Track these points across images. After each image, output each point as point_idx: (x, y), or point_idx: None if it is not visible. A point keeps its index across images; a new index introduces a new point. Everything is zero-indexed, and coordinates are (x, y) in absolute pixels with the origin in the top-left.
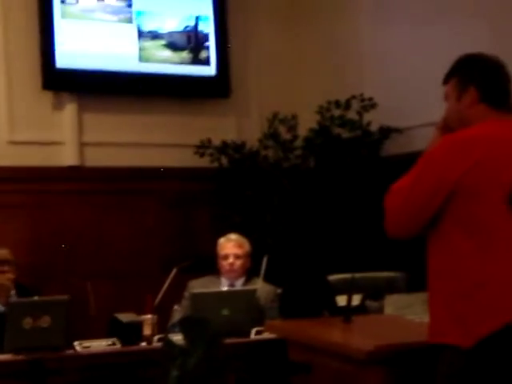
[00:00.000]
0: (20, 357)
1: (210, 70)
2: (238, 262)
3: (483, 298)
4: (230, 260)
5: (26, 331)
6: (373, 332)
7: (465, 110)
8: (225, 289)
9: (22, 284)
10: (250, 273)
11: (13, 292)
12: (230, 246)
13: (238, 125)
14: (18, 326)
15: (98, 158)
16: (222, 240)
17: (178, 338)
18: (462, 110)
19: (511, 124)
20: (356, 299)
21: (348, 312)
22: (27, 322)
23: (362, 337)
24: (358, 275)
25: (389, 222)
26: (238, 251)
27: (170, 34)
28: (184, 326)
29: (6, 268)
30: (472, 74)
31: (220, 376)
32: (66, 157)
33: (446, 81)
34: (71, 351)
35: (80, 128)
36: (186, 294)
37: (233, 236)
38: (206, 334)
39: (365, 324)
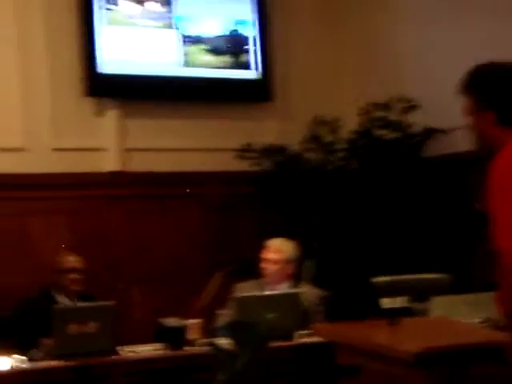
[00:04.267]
0: (66, 363)
1: (252, 74)
2: (273, 267)
3: None
4: (264, 265)
5: (71, 337)
6: (420, 334)
7: (485, 131)
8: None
9: (87, 294)
10: (296, 277)
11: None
12: (267, 250)
13: (279, 128)
14: (63, 331)
15: (140, 164)
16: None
17: (223, 341)
18: (482, 130)
19: None
20: (401, 301)
21: (394, 314)
22: (72, 328)
23: (409, 339)
24: (402, 277)
25: None
26: (274, 256)
27: (211, 38)
28: (232, 329)
29: (71, 276)
30: (489, 96)
31: (267, 379)
32: (109, 163)
33: (462, 92)
34: (117, 356)
35: (122, 134)
36: (233, 297)
37: (274, 241)
38: (254, 337)
39: (411, 326)
